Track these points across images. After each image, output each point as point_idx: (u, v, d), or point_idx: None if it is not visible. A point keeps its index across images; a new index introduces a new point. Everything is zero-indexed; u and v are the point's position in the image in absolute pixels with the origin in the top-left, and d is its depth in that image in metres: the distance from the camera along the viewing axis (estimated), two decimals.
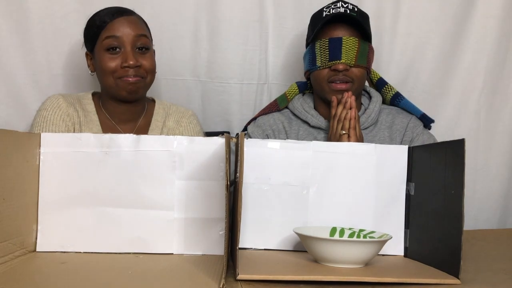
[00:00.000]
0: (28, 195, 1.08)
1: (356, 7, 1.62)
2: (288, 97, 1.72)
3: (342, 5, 1.60)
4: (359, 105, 1.67)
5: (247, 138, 1.19)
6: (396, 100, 1.71)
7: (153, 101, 1.65)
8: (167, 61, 1.83)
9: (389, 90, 1.72)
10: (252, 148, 1.17)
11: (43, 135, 1.12)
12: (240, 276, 0.91)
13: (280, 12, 1.90)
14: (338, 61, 1.55)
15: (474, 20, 1.95)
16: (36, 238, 1.10)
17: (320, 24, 1.58)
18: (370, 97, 1.70)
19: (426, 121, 1.68)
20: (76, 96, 1.58)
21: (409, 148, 1.20)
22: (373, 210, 1.19)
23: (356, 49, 1.56)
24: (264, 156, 1.19)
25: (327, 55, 1.56)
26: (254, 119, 1.74)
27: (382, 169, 1.19)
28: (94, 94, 1.60)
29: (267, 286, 0.90)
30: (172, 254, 1.11)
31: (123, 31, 1.46)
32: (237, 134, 1.08)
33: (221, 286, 0.86)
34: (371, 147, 1.21)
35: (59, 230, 1.10)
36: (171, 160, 1.12)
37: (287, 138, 1.64)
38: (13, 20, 1.73)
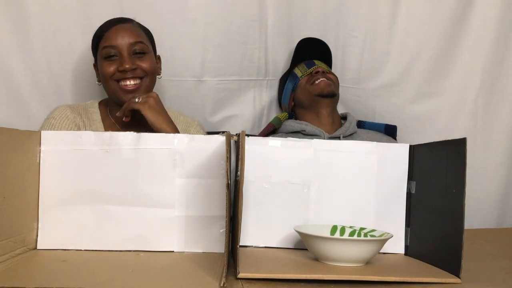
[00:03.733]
0: (29, 193, 1.08)
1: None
2: (280, 118, 1.84)
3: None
4: (338, 118, 1.85)
5: None
6: (361, 124, 1.88)
7: None
8: (167, 61, 1.83)
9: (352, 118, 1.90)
10: (253, 146, 1.17)
11: (43, 133, 1.12)
12: (241, 275, 0.91)
13: (279, 10, 1.90)
14: (316, 66, 1.83)
15: (471, 20, 1.96)
16: (37, 236, 1.10)
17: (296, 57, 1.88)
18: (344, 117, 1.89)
19: (392, 130, 1.85)
20: (83, 105, 1.60)
21: (410, 146, 1.21)
22: (374, 209, 1.19)
23: (326, 66, 1.87)
24: (265, 154, 1.19)
25: (305, 67, 1.85)
26: None
27: (383, 168, 1.20)
28: (101, 102, 1.62)
29: (268, 285, 0.89)
30: (173, 252, 1.11)
31: (119, 39, 1.51)
32: (238, 134, 1.08)
33: (221, 284, 0.86)
34: (372, 146, 1.21)
35: (59, 228, 1.10)
36: (172, 158, 1.12)
37: None
38: (13, 20, 1.73)
